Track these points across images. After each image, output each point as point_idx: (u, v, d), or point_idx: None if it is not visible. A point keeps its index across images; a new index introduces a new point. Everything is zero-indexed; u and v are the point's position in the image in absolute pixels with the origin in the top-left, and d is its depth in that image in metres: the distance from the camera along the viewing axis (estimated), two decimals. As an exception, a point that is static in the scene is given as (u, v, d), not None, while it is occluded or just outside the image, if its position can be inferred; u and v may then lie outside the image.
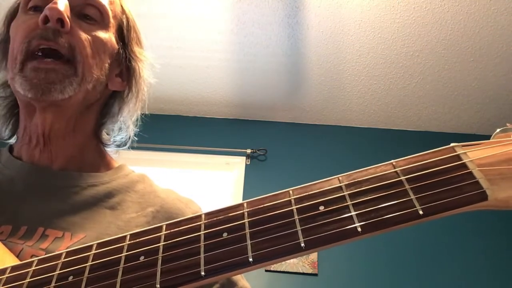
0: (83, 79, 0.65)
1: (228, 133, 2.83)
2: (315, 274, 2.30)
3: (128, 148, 0.81)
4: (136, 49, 0.75)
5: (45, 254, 0.55)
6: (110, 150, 0.79)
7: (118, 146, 0.80)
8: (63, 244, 0.58)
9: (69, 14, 0.64)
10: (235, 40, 2.29)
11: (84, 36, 0.66)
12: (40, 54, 0.63)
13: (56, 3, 0.63)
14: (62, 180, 0.67)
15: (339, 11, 2.08)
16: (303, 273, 2.29)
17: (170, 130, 2.78)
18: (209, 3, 2.09)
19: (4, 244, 0.54)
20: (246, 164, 2.69)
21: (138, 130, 0.81)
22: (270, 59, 2.39)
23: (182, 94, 2.73)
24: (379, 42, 2.23)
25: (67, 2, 0.64)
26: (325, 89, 2.57)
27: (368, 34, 2.19)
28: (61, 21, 0.63)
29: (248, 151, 2.71)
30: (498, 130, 0.35)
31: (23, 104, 0.68)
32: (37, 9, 0.66)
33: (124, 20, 0.74)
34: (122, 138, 0.80)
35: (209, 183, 2.68)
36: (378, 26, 2.14)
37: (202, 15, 2.15)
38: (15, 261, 0.50)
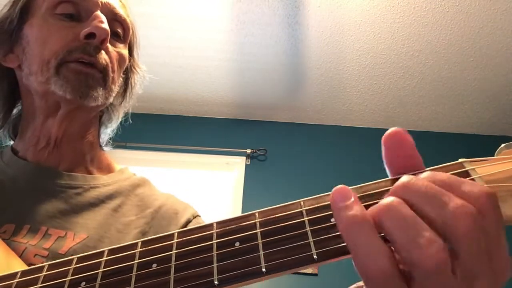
0: (109, 92, 0.68)
1: (228, 133, 2.83)
2: (315, 274, 2.31)
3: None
4: (136, 60, 0.78)
5: (48, 254, 0.55)
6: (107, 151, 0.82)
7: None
8: (66, 244, 0.58)
9: None
10: (235, 40, 2.29)
11: (114, 53, 0.69)
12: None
13: (102, 22, 0.64)
14: (65, 181, 0.67)
15: (339, 11, 2.08)
16: (303, 273, 2.30)
17: (170, 130, 2.78)
18: (209, 3, 2.08)
19: (7, 244, 0.54)
20: (246, 164, 2.69)
21: (120, 128, 0.85)
22: (270, 59, 2.39)
23: (182, 94, 2.73)
24: (379, 42, 2.23)
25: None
26: (325, 89, 2.57)
27: (368, 34, 2.19)
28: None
29: (248, 151, 2.71)
30: (502, 145, 0.35)
31: (41, 105, 0.68)
32: (70, 16, 0.66)
33: (131, 32, 0.76)
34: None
35: (209, 183, 2.68)
36: (378, 26, 2.14)
37: (202, 15, 2.15)
38: (21, 265, 0.50)
